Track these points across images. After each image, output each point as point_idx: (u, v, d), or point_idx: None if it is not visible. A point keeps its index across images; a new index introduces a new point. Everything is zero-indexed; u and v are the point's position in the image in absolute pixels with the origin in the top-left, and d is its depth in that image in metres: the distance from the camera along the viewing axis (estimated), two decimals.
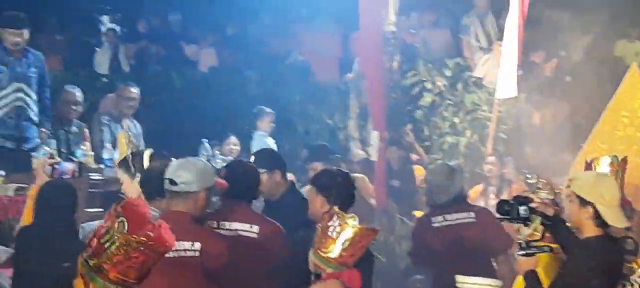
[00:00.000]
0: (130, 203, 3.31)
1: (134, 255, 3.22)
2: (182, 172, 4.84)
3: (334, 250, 4.42)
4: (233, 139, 9.91)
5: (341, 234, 4.42)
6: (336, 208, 4.59)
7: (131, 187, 5.46)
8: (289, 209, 5.73)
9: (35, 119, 8.50)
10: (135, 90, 9.36)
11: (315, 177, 5.56)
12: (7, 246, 6.09)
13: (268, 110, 10.33)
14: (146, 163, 5.50)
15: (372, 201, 9.35)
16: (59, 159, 7.57)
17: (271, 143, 9.97)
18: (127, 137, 7.30)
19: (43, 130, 8.52)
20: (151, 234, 3.23)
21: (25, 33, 8.40)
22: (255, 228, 5.29)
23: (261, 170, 5.76)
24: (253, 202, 5.54)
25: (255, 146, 9.48)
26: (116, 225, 3.23)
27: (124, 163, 5.73)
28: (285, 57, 12.77)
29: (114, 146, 8.36)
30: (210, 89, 11.61)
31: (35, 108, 8.50)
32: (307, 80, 12.25)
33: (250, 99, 11.16)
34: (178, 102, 11.27)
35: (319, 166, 7.10)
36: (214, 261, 4.82)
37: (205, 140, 9.29)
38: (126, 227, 3.22)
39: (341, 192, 5.32)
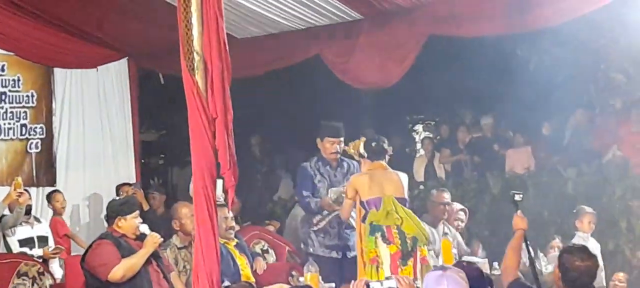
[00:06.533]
0: None
1: None
2: None
3: None
4: (557, 241, 9.64)
5: None
6: None
7: None
8: None
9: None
10: (447, 196, 9.59)
11: None
12: None
13: (588, 209, 9.70)
14: None
15: None
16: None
17: (593, 245, 9.58)
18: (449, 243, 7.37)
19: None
20: None
21: (341, 142, 8.73)
22: None
23: None
24: None
25: None
26: None
27: None
28: (603, 154, 12.37)
29: (437, 254, 8.47)
30: (527, 191, 11.46)
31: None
32: (626, 174, 11.75)
33: (569, 198, 10.90)
34: (494, 206, 11.26)
35: None
36: None
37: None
38: None
39: None
